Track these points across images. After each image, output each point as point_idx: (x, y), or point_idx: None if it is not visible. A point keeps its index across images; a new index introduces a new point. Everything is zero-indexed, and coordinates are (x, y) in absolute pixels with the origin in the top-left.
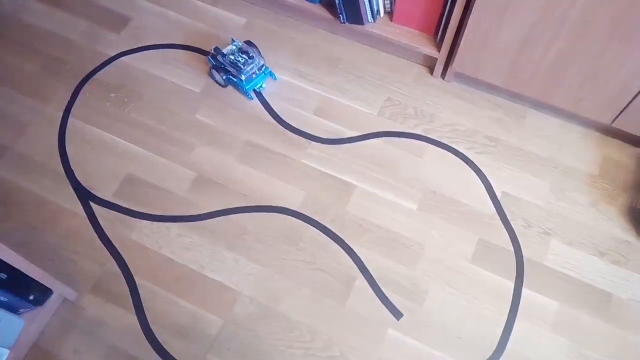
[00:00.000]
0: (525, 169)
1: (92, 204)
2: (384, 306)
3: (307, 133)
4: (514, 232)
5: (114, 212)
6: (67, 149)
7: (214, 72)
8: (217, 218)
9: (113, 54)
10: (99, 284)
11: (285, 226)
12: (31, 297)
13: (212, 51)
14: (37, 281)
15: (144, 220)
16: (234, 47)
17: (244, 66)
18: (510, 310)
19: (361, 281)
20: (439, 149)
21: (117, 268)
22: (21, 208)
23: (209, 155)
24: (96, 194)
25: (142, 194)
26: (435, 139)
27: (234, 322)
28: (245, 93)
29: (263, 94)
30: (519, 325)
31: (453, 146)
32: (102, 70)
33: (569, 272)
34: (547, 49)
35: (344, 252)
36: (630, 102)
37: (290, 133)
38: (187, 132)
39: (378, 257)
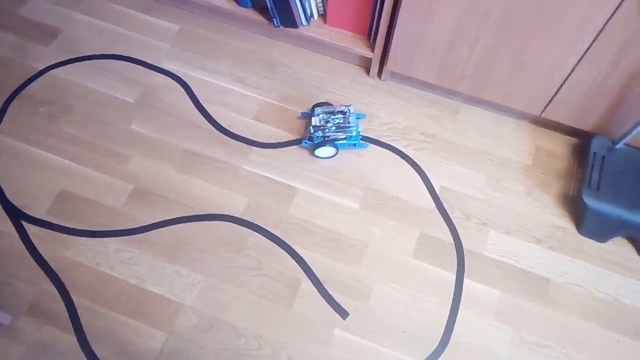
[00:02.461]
0: (461, 163)
1: (23, 222)
2: (330, 307)
3: (247, 138)
4: (454, 225)
5: (47, 230)
6: None
7: (319, 150)
8: (157, 230)
9: (42, 67)
10: (35, 306)
11: (228, 234)
12: None
13: (309, 134)
14: None
15: (80, 237)
16: (322, 115)
17: (349, 123)
18: (453, 302)
19: (307, 283)
20: (378, 147)
21: (54, 288)
22: None
23: (146, 166)
24: (28, 213)
25: (77, 210)
26: (374, 137)
27: (178, 334)
28: (359, 146)
29: (199, 99)
30: (463, 316)
31: (391, 144)
32: (31, 84)
33: (508, 260)
34: (474, 45)
35: (289, 256)
36: (556, 92)
37: (230, 139)
38: (123, 143)
39: (322, 259)
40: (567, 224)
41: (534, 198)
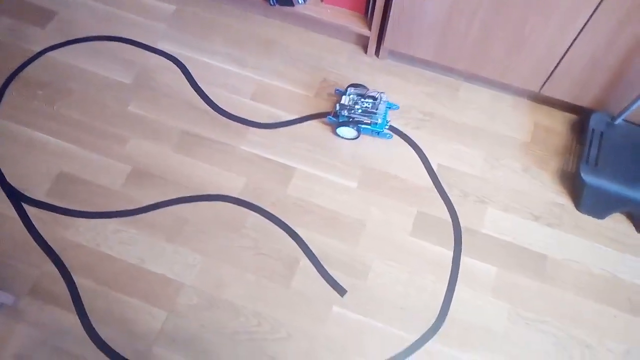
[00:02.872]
0: (460, 141)
1: (24, 205)
2: (328, 284)
3: (244, 119)
4: (451, 203)
5: (47, 212)
6: None
7: (341, 129)
8: (156, 211)
9: (39, 49)
10: (37, 287)
11: (226, 214)
12: None
13: (336, 110)
14: None
15: (79, 218)
16: (352, 96)
17: (376, 109)
18: (450, 279)
19: (305, 262)
20: None
21: (55, 269)
22: None
23: (144, 147)
24: (28, 195)
25: (76, 192)
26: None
27: (178, 313)
28: (382, 135)
29: (196, 80)
30: (460, 293)
31: (389, 123)
32: (28, 67)
33: (505, 237)
34: (471, 20)
35: (287, 235)
36: (554, 68)
37: (228, 120)
38: (120, 125)
39: (320, 237)
40: (565, 201)
41: (532, 175)
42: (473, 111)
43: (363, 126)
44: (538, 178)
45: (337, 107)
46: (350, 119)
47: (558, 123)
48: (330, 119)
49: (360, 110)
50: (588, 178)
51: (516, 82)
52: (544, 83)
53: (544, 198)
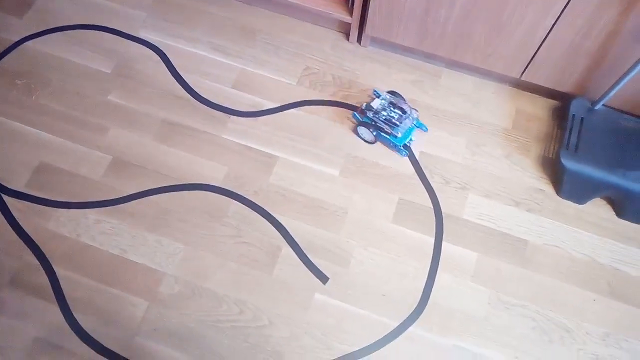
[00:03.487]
0: (442, 128)
1: (4, 196)
2: (310, 272)
3: (226, 107)
4: (433, 190)
5: (27, 202)
6: None
7: (361, 129)
8: (137, 200)
9: (17, 39)
10: (18, 278)
11: (208, 203)
12: None
13: (362, 107)
14: None
15: (60, 209)
16: (384, 102)
17: (400, 122)
18: (431, 265)
19: (287, 250)
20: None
21: (35, 260)
22: None
23: (124, 137)
24: (7, 186)
25: (56, 182)
26: (354, 104)
27: (160, 302)
28: (397, 150)
29: (176, 68)
30: (441, 279)
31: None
32: (6, 56)
33: (486, 223)
34: (451, 5)
35: (269, 224)
36: (534, 53)
37: (209, 108)
38: (100, 115)
39: (303, 225)
40: (546, 187)
41: (513, 161)
42: (455, 98)
43: (382, 134)
44: (519, 164)
45: (364, 106)
46: (373, 122)
47: (539, 109)
48: (355, 115)
49: (384, 118)
50: (568, 163)
51: (497, 69)
52: (525, 69)
53: (524, 184)
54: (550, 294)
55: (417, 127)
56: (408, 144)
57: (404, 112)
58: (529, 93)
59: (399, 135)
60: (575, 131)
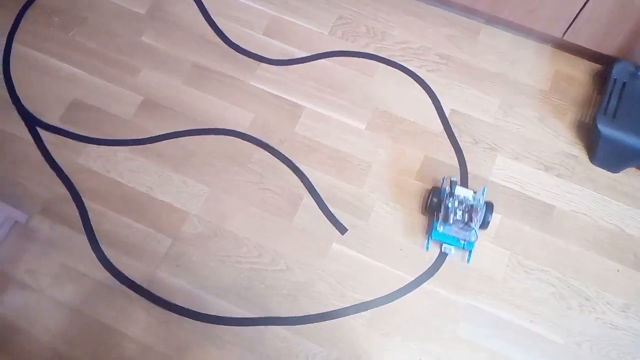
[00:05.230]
0: (475, 86)
1: (39, 129)
2: (329, 222)
3: (256, 54)
4: (460, 149)
5: (61, 137)
6: (12, 75)
7: (432, 200)
8: (165, 141)
9: None
10: (49, 207)
11: (233, 148)
12: None
13: (447, 181)
14: None
15: (90, 145)
16: (468, 198)
17: (453, 225)
18: None
19: (308, 199)
20: (390, 67)
21: (66, 191)
22: None
23: (155, 78)
24: (43, 120)
25: (88, 119)
26: (387, 57)
27: (182, 240)
28: (428, 241)
29: (209, 12)
30: None
31: (404, 65)
32: None
33: (513, 186)
34: None
35: (292, 172)
36: (579, 12)
37: (239, 54)
38: (133, 55)
39: (325, 177)
40: (579, 152)
41: (547, 125)
42: (492, 56)
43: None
44: (553, 128)
45: (453, 184)
46: (440, 202)
47: (580, 72)
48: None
49: (448, 205)
50: (604, 129)
51: (538, 26)
52: (568, 28)
53: (556, 148)
54: (572, 261)
55: (464, 248)
56: (444, 251)
57: (466, 224)
58: (570, 55)
59: (474, 239)
60: (615, 96)
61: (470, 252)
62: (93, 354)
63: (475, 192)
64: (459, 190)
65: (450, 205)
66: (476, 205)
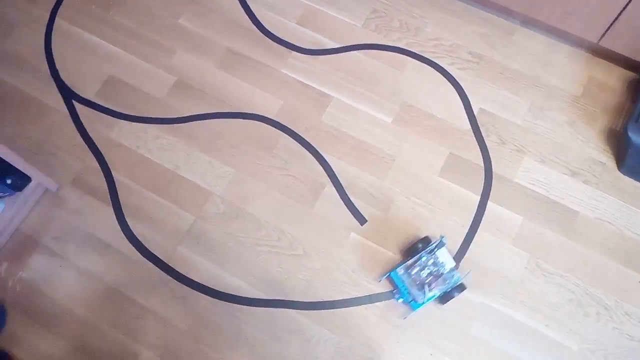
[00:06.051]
0: (506, 87)
1: (75, 102)
2: (349, 212)
3: (288, 42)
4: (487, 148)
5: (95, 111)
6: (52, 49)
7: (417, 245)
8: (194, 122)
9: None
10: (79, 178)
11: (260, 133)
12: (8, 181)
13: (442, 239)
14: (14, 167)
15: (123, 121)
16: (444, 265)
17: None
18: (473, 222)
19: (330, 188)
20: (421, 63)
21: (97, 164)
22: (6, 104)
23: (189, 60)
24: (79, 94)
25: (122, 95)
26: (418, 53)
27: (205, 219)
28: (384, 275)
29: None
30: (480, 236)
31: (435, 61)
32: None
33: (537, 189)
34: None
35: (316, 161)
36: (617, 16)
37: (272, 42)
38: (169, 36)
39: (349, 167)
40: (607, 160)
41: (576, 130)
42: (525, 57)
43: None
44: (582, 133)
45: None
46: (412, 261)
47: (614, 79)
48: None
49: (424, 262)
50: (635, 137)
51: (575, 30)
52: (604, 33)
53: (584, 154)
54: (593, 269)
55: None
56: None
57: (438, 276)
58: (605, 61)
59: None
60: None
61: (413, 310)
62: (112, 321)
63: (455, 265)
64: (441, 254)
65: (423, 259)
66: (446, 276)
